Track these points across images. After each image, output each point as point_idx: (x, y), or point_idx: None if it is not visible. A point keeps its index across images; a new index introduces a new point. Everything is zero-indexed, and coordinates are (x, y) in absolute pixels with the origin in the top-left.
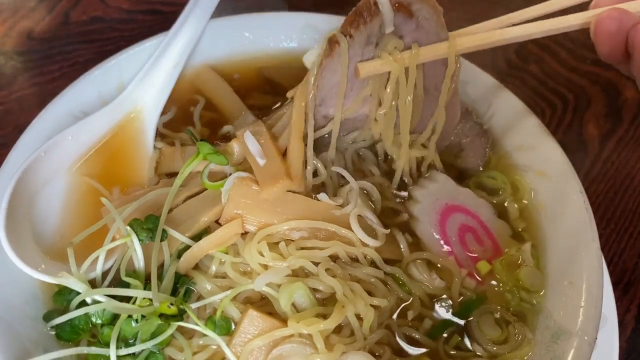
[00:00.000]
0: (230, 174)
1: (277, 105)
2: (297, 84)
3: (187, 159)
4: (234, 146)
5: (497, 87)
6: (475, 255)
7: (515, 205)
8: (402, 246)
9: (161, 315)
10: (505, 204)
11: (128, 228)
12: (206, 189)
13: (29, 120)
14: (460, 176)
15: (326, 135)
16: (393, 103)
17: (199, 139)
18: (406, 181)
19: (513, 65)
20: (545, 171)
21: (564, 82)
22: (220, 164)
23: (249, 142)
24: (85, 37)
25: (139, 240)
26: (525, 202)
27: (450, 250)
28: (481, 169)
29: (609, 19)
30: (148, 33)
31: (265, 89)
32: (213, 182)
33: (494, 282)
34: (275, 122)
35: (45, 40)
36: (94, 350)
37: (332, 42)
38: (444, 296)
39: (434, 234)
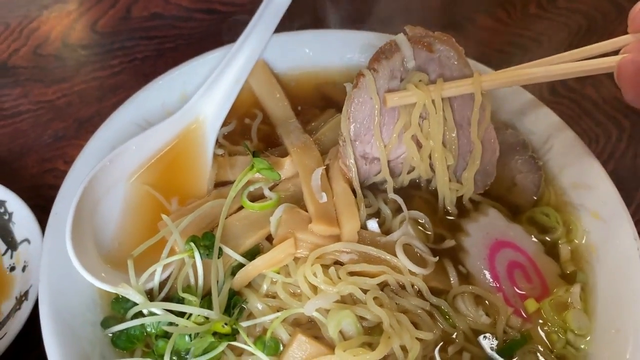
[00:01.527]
0: (270, 197)
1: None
2: None
3: (237, 171)
4: (286, 163)
5: (555, 121)
6: (524, 292)
7: (568, 247)
8: (451, 277)
9: (215, 334)
10: (559, 243)
11: (192, 244)
12: None
13: (89, 113)
14: (513, 210)
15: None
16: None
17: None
18: (450, 211)
19: (569, 88)
20: (600, 213)
21: (620, 107)
22: (273, 179)
23: (315, 177)
24: (145, 33)
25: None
26: (576, 242)
27: (498, 286)
28: (534, 204)
29: (631, 63)
30: (206, 32)
31: (318, 104)
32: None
33: (540, 321)
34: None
35: (107, 34)
36: None
37: (358, 76)
38: (488, 333)
39: (483, 268)
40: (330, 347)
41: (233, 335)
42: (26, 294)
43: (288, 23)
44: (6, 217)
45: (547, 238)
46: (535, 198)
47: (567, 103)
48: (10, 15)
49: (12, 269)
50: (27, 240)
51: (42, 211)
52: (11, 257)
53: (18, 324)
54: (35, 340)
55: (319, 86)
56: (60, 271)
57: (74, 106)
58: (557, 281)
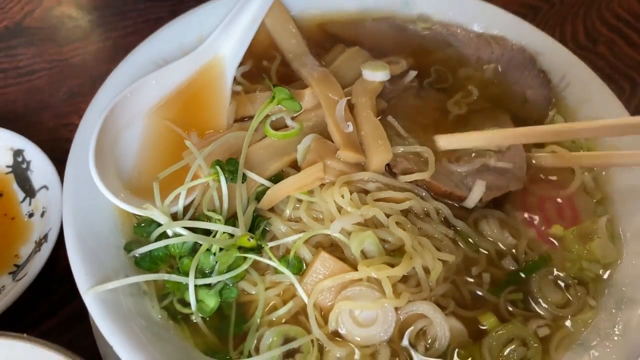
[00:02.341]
0: (292, 126)
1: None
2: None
3: (257, 106)
4: (306, 94)
5: (571, 58)
6: (551, 221)
7: (591, 176)
8: None
9: (240, 248)
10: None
11: (217, 168)
12: None
13: (102, 71)
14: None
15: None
16: None
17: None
18: None
19: (582, 46)
20: (617, 144)
21: (634, 65)
22: (294, 110)
23: (339, 108)
24: None
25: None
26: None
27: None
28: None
29: None
30: None
31: (324, 43)
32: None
33: (562, 249)
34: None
35: None
36: (174, 277)
37: None
38: (509, 254)
39: None
40: (353, 265)
41: (258, 249)
42: (45, 236)
43: None
44: (24, 165)
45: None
46: (547, 110)
47: None
48: None
49: (31, 215)
50: (45, 187)
51: (59, 162)
52: (29, 204)
53: (38, 264)
54: (54, 283)
55: (323, 25)
56: (83, 197)
57: (88, 64)
58: (590, 216)
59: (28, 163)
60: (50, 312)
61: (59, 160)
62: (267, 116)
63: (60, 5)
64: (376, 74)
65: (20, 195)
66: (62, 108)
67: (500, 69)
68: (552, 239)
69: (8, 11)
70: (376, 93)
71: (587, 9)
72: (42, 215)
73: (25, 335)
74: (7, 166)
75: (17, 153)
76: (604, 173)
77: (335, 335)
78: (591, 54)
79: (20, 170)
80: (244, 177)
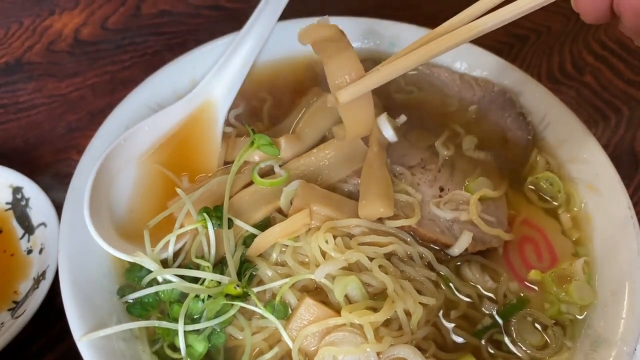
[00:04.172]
0: (279, 174)
1: None
2: None
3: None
4: (282, 143)
5: (551, 99)
6: (530, 264)
7: (568, 215)
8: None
9: (227, 296)
10: (559, 212)
11: (205, 215)
12: None
13: (101, 105)
14: (519, 177)
15: None
16: None
17: (263, 132)
18: None
19: (568, 76)
20: (596, 185)
21: (619, 94)
22: (272, 155)
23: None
24: (154, 30)
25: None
26: (575, 210)
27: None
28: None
29: None
30: (213, 28)
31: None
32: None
33: (541, 291)
34: None
35: (117, 31)
36: (164, 324)
37: None
38: (491, 295)
39: None
40: (337, 310)
41: (244, 297)
42: (44, 273)
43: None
44: (23, 202)
45: (548, 206)
46: (527, 149)
47: (565, 90)
48: (24, 14)
49: (30, 251)
50: (43, 224)
51: (57, 198)
52: (28, 240)
53: (37, 301)
54: (52, 319)
55: (311, 65)
56: (78, 242)
57: (86, 99)
58: (569, 258)
59: (27, 200)
60: (47, 348)
61: (57, 196)
62: (257, 163)
63: (59, 40)
64: (390, 132)
65: (20, 231)
66: (61, 143)
67: (482, 111)
68: (530, 285)
69: (9, 46)
70: (385, 145)
71: (574, 38)
72: (41, 252)
73: None
74: (7, 203)
75: (17, 190)
76: (582, 212)
77: None
78: (578, 83)
79: (19, 207)
80: (232, 222)
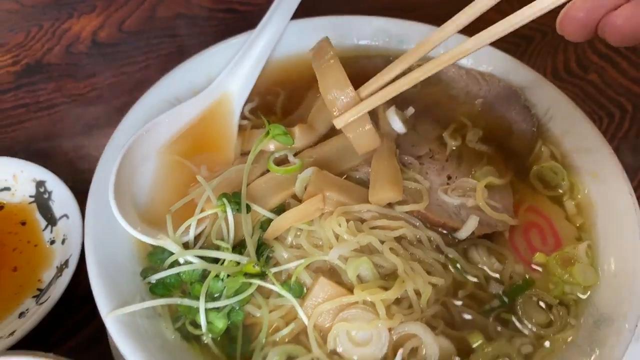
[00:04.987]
0: (293, 162)
1: None
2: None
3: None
4: (296, 131)
5: (554, 92)
6: (535, 248)
7: (572, 202)
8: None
9: (246, 275)
10: (564, 200)
11: (224, 200)
12: None
13: (118, 104)
14: (524, 167)
15: None
16: None
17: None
18: None
19: (574, 74)
20: (598, 173)
21: (623, 92)
22: (287, 144)
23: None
24: (169, 32)
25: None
26: (579, 197)
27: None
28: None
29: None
30: (226, 30)
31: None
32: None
33: (545, 273)
34: None
35: (133, 33)
36: (186, 302)
37: None
38: (497, 276)
39: None
40: (350, 289)
41: (262, 275)
42: (66, 262)
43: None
44: (46, 195)
45: (553, 194)
46: (532, 141)
47: (570, 88)
48: (44, 17)
49: (52, 242)
50: (65, 215)
51: (78, 192)
52: (51, 232)
53: (60, 288)
54: (75, 305)
55: None
56: (102, 228)
57: (104, 98)
58: (572, 242)
59: (50, 193)
60: (70, 333)
61: (78, 190)
62: (272, 153)
63: (77, 42)
64: (398, 124)
65: (43, 223)
66: (81, 140)
67: (488, 104)
68: (535, 266)
69: (29, 49)
70: (395, 136)
71: None
72: (63, 242)
73: (51, 354)
74: (30, 196)
75: (40, 184)
76: (585, 199)
77: (333, 353)
78: (582, 82)
79: (42, 200)
80: (249, 208)
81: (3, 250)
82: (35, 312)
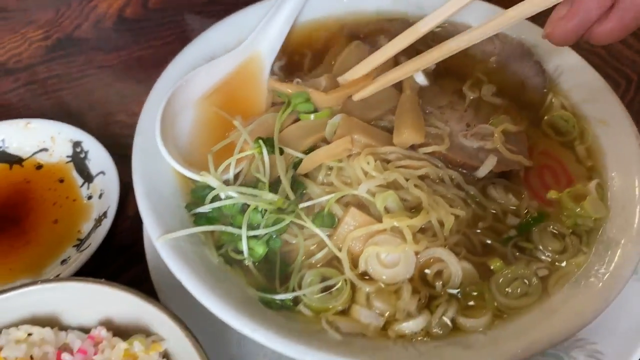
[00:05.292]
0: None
1: None
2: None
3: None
4: (323, 80)
5: (563, 49)
6: (549, 186)
7: (583, 146)
8: None
9: (279, 210)
10: (575, 145)
11: (260, 142)
12: None
13: (146, 75)
14: (537, 117)
15: None
16: None
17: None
18: None
19: (580, 47)
20: (607, 120)
21: (629, 63)
22: (307, 110)
23: None
24: (193, 9)
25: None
26: (589, 142)
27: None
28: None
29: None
30: (248, 4)
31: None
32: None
33: (558, 208)
34: None
35: (158, 10)
36: (229, 229)
37: None
38: (514, 209)
39: None
40: (378, 220)
41: (293, 210)
42: (105, 213)
43: None
44: (82, 155)
45: (564, 139)
46: (543, 94)
47: None
48: None
49: (90, 197)
50: (102, 172)
51: (111, 153)
52: (88, 188)
53: (100, 235)
54: (112, 255)
55: (344, 27)
56: (148, 165)
57: (133, 70)
58: (584, 181)
59: (86, 153)
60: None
61: (111, 152)
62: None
63: (105, 19)
64: (421, 77)
65: (80, 181)
66: (112, 107)
67: (501, 61)
68: (549, 202)
69: (59, 25)
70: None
71: None
72: (100, 197)
73: (103, 280)
74: (67, 156)
75: (76, 144)
76: (594, 144)
77: (364, 275)
78: (590, 54)
79: (78, 160)
80: (282, 151)
81: (44, 205)
82: (76, 259)
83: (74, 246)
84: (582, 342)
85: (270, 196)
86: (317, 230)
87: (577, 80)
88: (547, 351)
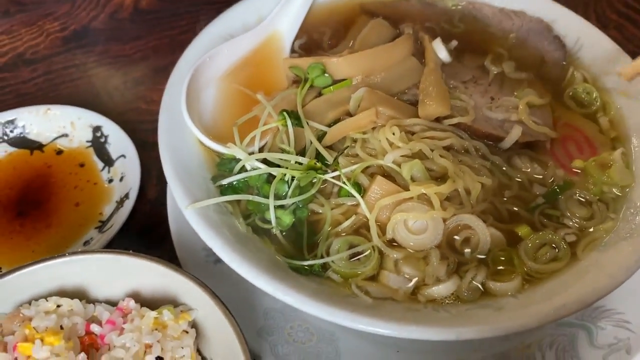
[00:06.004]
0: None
1: None
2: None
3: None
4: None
5: (582, 23)
6: (573, 156)
7: (606, 118)
8: None
9: (310, 170)
10: (598, 116)
11: (285, 114)
12: None
13: (163, 64)
14: (559, 91)
15: None
16: None
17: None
18: None
19: None
20: (628, 91)
21: None
22: (324, 84)
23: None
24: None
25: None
26: (612, 113)
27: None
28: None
29: None
30: None
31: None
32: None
33: (584, 176)
34: None
35: (173, 1)
36: (257, 198)
37: None
38: (539, 178)
39: None
40: (405, 189)
41: (324, 170)
42: (127, 194)
43: None
44: (102, 139)
45: (587, 111)
46: (561, 67)
47: None
48: None
49: (111, 180)
50: (122, 155)
51: (132, 137)
52: (108, 172)
53: (122, 216)
54: (133, 237)
55: (363, 5)
56: (175, 139)
57: (149, 59)
58: (608, 151)
59: (106, 137)
60: None
61: (132, 136)
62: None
63: (121, 10)
64: (444, 53)
65: (100, 164)
66: (129, 95)
67: (520, 38)
68: (574, 170)
69: (76, 17)
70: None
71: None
72: (121, 179)
73: (130, 251)
74: (87, 141)
75: (96, 129)
76: (617, 115)
77: (391, 242)
78: None
79: (98, 144)
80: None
81: (65, 188)
82: (98, 240)
83: (96, 228)
84: (610, 312)
85: (300, 158)
86: (353, 191)
87: (597, 53)
88: (575, 321)
